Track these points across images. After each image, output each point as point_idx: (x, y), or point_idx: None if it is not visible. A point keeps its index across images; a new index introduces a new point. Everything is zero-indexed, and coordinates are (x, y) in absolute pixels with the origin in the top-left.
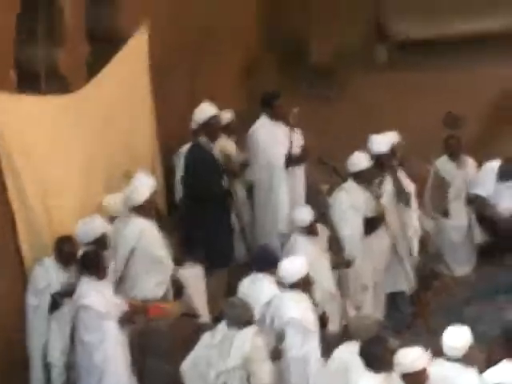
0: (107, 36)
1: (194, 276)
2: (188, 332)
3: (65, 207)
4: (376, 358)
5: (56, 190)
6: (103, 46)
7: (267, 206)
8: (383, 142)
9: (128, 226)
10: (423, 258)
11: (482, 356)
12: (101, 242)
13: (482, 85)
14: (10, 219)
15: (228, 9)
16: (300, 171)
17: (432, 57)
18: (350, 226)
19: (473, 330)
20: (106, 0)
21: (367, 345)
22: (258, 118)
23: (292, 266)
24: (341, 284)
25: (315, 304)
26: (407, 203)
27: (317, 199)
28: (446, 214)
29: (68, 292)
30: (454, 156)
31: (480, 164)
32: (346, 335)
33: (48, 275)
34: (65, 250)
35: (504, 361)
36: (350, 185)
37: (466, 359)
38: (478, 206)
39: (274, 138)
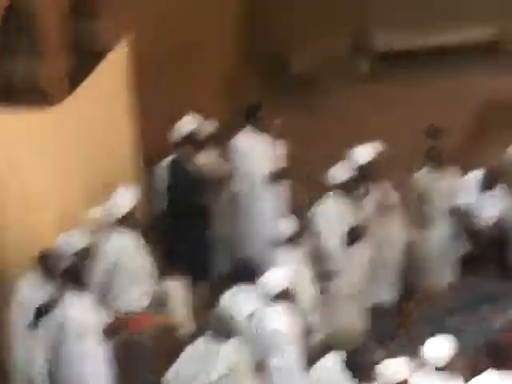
0: (89, 49)
1: (176, 288)
2: (171, 344)
3: (46, 221)
4: (360, 368)
5: (37, 203)
6: (85, 59)
7: (249, 217)
8: (366, 152)
9: (110, 239)
10: (406, 269)
11: (466, 366)
12: (83, 255)
13: (464, 95)
14: None
15: (209, 21)
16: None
17: (414, 68)
18: (332, 237)
19: (456, 339)
20: (88, 13)
21: (351, 355)
22: (240, 129)
23: (274, 277)
24: (324, 295)
25: (298, 315)
26: (389, 214)
27: (299, 211)
28: (428, 224)
29: (51, 305)
30: (436, 167)
31: (463, 174)
32: (329, 346)
33: (31, 289)
34: (48, 263)
35: (487, 370)
36: (332, 196)
37: (450, 369)
38: (461, 216)
39: (256, 150)
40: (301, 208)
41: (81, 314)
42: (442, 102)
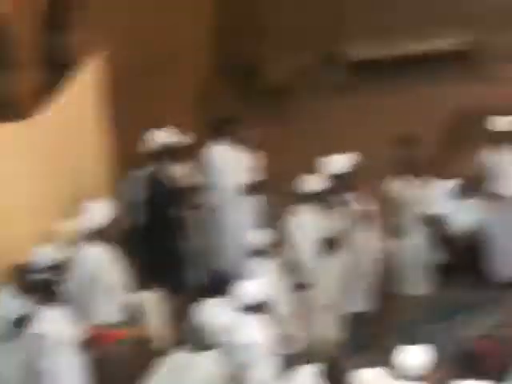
0: (63, 63)
1: (151, 301)
2: (146, 357)
3: (20, 234)
4: (335, 379)
5: (11, 217)
6: (59, 72)
7: (223, 230)
8: (340, 163)
9: (83, 253)
10: (381, 278)
11: (441, 375)
12: (56, 269)
13: (437, 104)
14: None
15: (183, 34)
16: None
17: (387, 78)
18: (306, 248)
19: (431, 349)
20: (62, 27)
21: (327, 366)
22: (213, 142)
23: (249, 289)
24: (298, 306)
25: (274, 327)
26: (364, 223)
27: (273, 222)
28: (403, 234)
29: (26, 319)
30: (410, 176)
31: (437, 183)
32: (305, 357)
33: (6, 303)
34: (22, 277)
35: (460, 380)
36: (306, 207)
37: (425, 379)
38: (435, 225)
39: (230, 162)
40: (275, 219)
41: (56, 327)
42: (415, 111)
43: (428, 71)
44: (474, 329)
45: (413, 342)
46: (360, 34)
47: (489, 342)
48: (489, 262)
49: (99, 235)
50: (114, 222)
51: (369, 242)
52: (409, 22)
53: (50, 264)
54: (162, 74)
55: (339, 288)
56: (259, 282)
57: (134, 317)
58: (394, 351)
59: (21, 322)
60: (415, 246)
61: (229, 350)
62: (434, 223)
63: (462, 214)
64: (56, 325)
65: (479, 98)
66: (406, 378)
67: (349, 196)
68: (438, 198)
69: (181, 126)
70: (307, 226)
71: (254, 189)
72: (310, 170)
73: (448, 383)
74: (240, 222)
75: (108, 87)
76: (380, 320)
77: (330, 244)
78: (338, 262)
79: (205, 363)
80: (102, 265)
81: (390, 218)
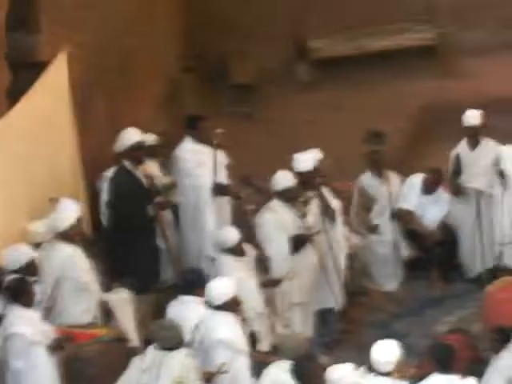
0: (28, 62)
1: (121, 300)
2: (117, 357)
3: None
4: (307, 375)
5: None
6: (24, 72)
7: (193, 227)
8: (307, 159)
9: (53, 253)
10: (351, 274)
11: (412, 370)
12: (27, 270)
13: (404, 100)
14: None
15: (149, 33)
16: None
17: (353, 74)
18: (276, 245)
19: (402, 344)
20: (26, 25)
21: (298, 363)
22: (181, 140)
23: (219, 287)
24: (269, 303)
25: (244, 324)
26: (332, 220)
27: (243, 219)
28: (371, 229)
29: None
30: (378, 171)
31: (404, 178)
32: (275, 354)
33: None
34: None
35: (434, 374)
36: (275, 204)
37: (396, 374)
38: (404, 220)
39: (198, 160)
40: (245, 216)
41: (26, 328)
42: (382, 107)
43: (396, 67)
44: (445, 323)
45: (383, 337)
46: (327, 29)
47: (460, 336)
48: (459, 256)
49: (69, 235)
50: (84, 222)
51: (338, 238)
52: (375, 17)
53: (21, 264)
54: (128, 73)
55: (309, 284)
56: (229, 279)
57: (104, 317)
58: (365, 347)
59: None
60: (384, 241)
61: (199, 347)
62: (403, 217)
63: (431, 209)
64: (27, 325)
65: (447, 93)
66: (378, 373)
67: (316, 192)
68: (407, 193)
69: (148, 125)
70: (276, 223)
71: (223, 187)
72: (278, 167)
73: (419, 378)
74: (210, 220)
75: (74, 84)
76: (351, 316)
77: (300, 241)
78: (308, 259)
79: (176, 361)
80: (72, 265)
81: (359, 214)
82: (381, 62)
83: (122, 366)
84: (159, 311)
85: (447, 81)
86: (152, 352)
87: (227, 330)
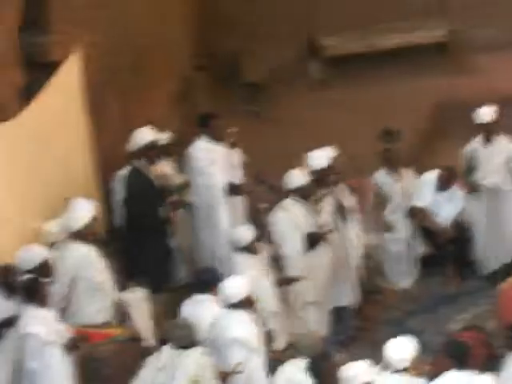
0: (41, 62)
1: (137, 300)
2: (133, 356)
3: (4, 235)
4: (323, 374)
5: None
6: (37, 72)
7: (207, 226)
8: (321, 157)
9: (68, 253)
10: (365, 272)
11: (427, 367)
12: (42, 270)
13: (417, 97)
14: None
15: (162, 32)
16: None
17: (364, 71)
18: (290, 243)
19: (417, 341)
20: (40, 26)
21: (314, 361)
22: (195, 138)
23: (234, 285)
24: (284, 301)
25: (259, 323)
26: (344, 218)
27: (256, 218)
28: (386, 227)
29: (13, 320)
30: (392, 169)
31: (418, 175)
32: (291, 352)
33: None
34: (8, 278)
35: (448, 372)
36: (289, 202)
37: (412, 370)
38: (418, 217)
39: (212, 159)
40: (259, 215)
41: (41, 328)
42: (395, 104)
43: (407, 64)
44: (460, 320)
45: (398, 334)
46: (339, 27)
47: (474, 334)
48: (473, 253)
49: (84, 235)
50: (99, 221)
51: (352, 236)
52: (386, 15)
53: (36, 264)
54: (142, 72)
55: (324, 282)
56: (244, 277)
57: (119, 316)
58: (380, 344)
59: (8, 323)
60: (399, 239)
61: (215, 346)
62: (417, 215)
63: (446, 206)
64: (43, 325)
65: (459, 90)
66: (393, 369)
67: (331, 190)
68: (422, 190)
69: (161, 124)
70: (291, 221)
71: (237, 186)
72: (292, 164)
73: (434, 374)
74: (224, 219)
75: (88, 84)
76: (366, 314)
77: (314, 239)
78: (323, 257)
79: (191, 360)
80: (87, 265)
81: (374, 211)
82: (392, 59)
83: (136, 365)
84: (173, 310)
85: (459, 78)
86: (167, 351)
87: (242, 328)
